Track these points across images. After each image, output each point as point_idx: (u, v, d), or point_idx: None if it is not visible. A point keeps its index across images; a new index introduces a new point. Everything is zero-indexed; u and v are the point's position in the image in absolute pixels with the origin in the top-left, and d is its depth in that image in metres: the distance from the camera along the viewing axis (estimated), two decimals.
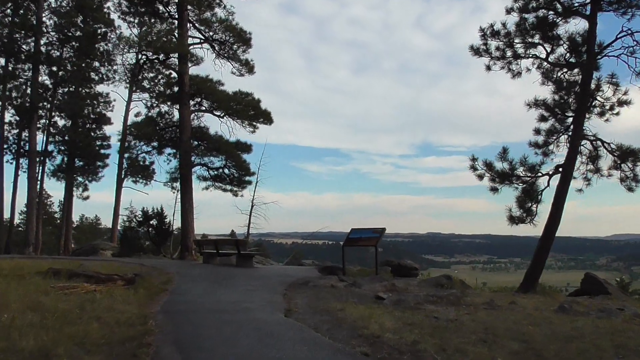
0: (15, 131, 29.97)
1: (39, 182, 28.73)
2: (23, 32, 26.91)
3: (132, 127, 25.18)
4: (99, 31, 29.50)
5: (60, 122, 31.06)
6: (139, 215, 22.99)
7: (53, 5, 28.49)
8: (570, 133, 12.47)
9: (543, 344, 5.86)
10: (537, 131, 13.24)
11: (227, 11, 20.85)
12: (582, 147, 12.37)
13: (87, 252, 23.95)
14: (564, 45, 12.44)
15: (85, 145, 29.88)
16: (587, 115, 12.15)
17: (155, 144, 24.69)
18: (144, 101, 28.72)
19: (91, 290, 7.77)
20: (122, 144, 29.92)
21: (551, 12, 12.39)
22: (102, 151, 31.51)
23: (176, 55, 20.16)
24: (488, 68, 13.58)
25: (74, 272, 9.11)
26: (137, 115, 29.21)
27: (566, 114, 12.72)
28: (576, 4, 12.15)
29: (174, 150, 23.38)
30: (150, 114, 24.34)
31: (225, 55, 21.42)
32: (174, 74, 21.68)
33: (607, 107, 12.14)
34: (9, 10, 27.95)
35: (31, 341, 4.67)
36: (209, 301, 7.78)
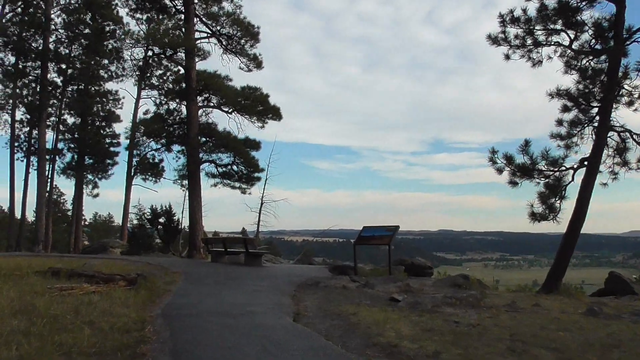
0: (26, 129, 29.93)
1: (48, 180, 28.60)
2: (32, 30, 26.72)
3: (141, 124, 24.89)
4: (107, 29, 29.29)
5: (70, 120, 31.00)
6: (148, 213, 22.69)
7: (62, 3, 28.36)
8: (595, 124, 11.81)
9: (578, 354, 5.30)
10: (560, 122, 12.59)
11: (234, 4, 20.48)
12: (608, 138, 11.69)
13: (97, 250, 23.76)
14: (589, 31, 11.76)
15: (95, 143, 29.74)
16: (614, 105, 11.47)
17: (163, 141, 24.44)
18: (152, 98, 28.50)
19: (90, 292, 7.35)
20: (131, 141, 29.73)
21: None
22: (112, 149, 31.38)
23: (183, 50, 19.77)
24: (507, 57, 12.96)
25: (75, 272, 8.71)
26: (145, 112, 29.05)
27: (591, 104, 12.06)
28: None
29: (183, 148, 23.06)
30: (159, 111, 24.07)
31: (233, 50, 21.01)
32: (182, 71, 21.30)
33: (636, 96, 11.45)
34: (19, 9, 27.86)
35: (13, 350, 4.24)
36: (213, 303, 7.31)
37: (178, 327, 5.53)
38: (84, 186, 30.62)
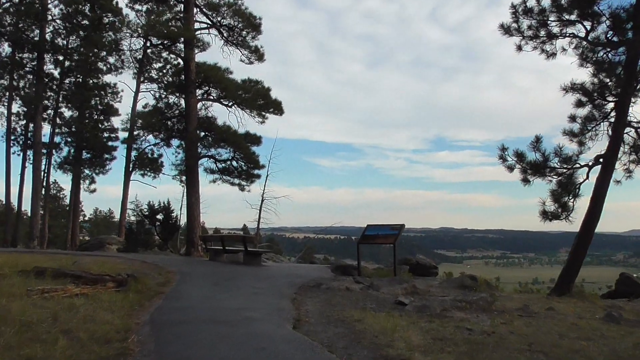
0: (23, 122, 29.39)
1: (44, 174, 28.08)
2: (28, 20, 26.13)
3: (139, 117, 24.32)
4: (105, 20, 28.68)
5: (67, 114, 30.38)
6: (145, 210, 22.18)
7: None
8: (611, 120, 11.25)
9: None
10: (573, 118, 12.02)
11: None
12: (625, 134, 11.14)
13: (94, 246, 23.29)
14: (606, 22, 11.19)
15: (93, 137, 29.12)
16: (632, 100, 10.90)
17: (162, 135, 23.89)
18: (152, 92, 27.92)
19: (74, 294, 6.83)
20: (129, 135, 29.18)
21: None
22: (110, 143, 30.73)
23: (182, 41, 19.19)
24: (519, 48, 12.40)
25: (61, 272, 8.18)
26: (145, 106, 28.46)
27: (607, 98, 11.50)
28: None
29: (182, 143, 22.52)
30: (159, 105, 23.47)
31: (234, 41, 20.41)
32: (182, 64, 20.70)
33: None
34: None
35: None
36: (207, 308, 6.79)
37: (165, 337, 5.01)
38: (81, 181, 30.05)
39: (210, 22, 19.95)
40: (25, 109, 28.59)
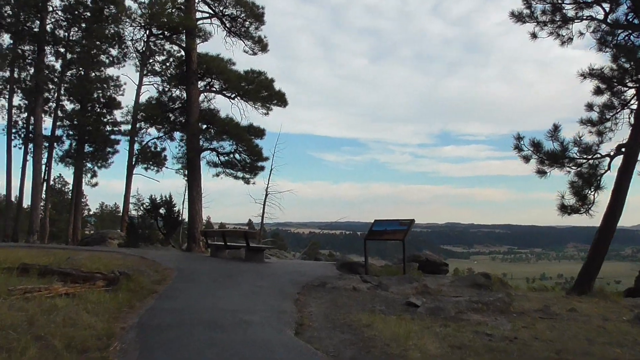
0: (24, 115, 28.97)
1: (45, 168, 27.65)
2: (28, 10, 25.62)
3: (141, 108, 23.80)
4: (106, 11, 28.12)
5: (69, 107, 29.91)
6: (147, 204, 21.70)
7: None
8: (633, 106, 10.59)
9: None
10: (590, 106, 11.35)
11: None
12: None
13: (95, 240, 22.85)
14: (627, 2, 10.52)
15: (95, 130, 28.65)
16: None
17: (165, 127, 23.40)
18: (155, 85, 27.40)
19: (60, 294, 6.32)
20: (132, 128, 28.70)
21: None
22: (112, 137, 30.27)
23: (183, 31, 18.62)
24: (533, 36, 11.74)
25: (48, 269, 7.67)
26: (148, 100, 27.94)
27: (627, 84, 10.82)
28: None
29: (185, 135, 22.00)
30: (162, 98, 22.94)
31: (237, 32, 19.81)
32: (183, 54, 20.13)
33: None
34: None
35: None
36: (203, 309, 6.24)
37: (152, 345, 4.47)
38: (83, 175, 29.63)
39: (212, 12, 19.37)
40: (26, 102, 28.18)
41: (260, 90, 19.81)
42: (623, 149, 10.40)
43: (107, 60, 29.25)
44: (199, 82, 19.52)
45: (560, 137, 10.84)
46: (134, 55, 28.41)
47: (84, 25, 27.82)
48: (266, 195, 22.76)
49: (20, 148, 28.35)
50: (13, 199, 28.40)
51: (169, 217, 21.20)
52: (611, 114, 11.14)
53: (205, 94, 20.48)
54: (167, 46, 27.36)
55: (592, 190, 10.32)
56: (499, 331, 6.24)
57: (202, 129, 19.77)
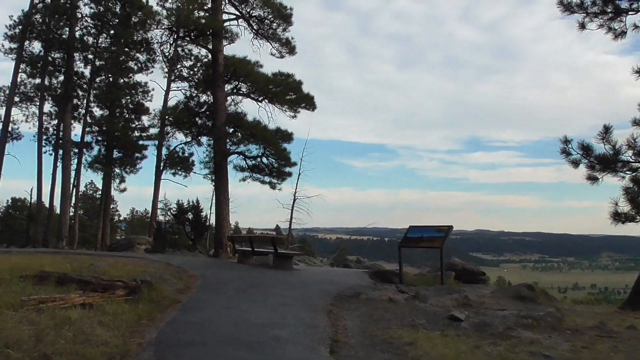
0: (54, 122, 29.35)
1: (74, 173, 27.83)
2: (57, 16, 25.96)
3: (169, 113, 23.72)
4: (135, 18, 28.29)
5: (98, 113, 30.17)
6: (174, 209, 21.53)
7: None
8: None
9: None
10: None
11: None
12: None
13: (123, 246, 22.82)
14: None
15: (123, 136, 28.77)
16: None
17: (192, 132, 23.22)
18: (182, 90, 27.36)
19: (76, 304, 5.89)
20: (160, 133, 28.68)
21: None
22: (141, 142, 30.37)
23: (210, 32, 18.36)
24: (582, 26, 10.91)
25: (67, 277, 7.28)
26: (176, 104, 27.92)
27: None
28: None
29: (212, 139, 21.75)
30: (189, 103, 22.80)
31: (264, 34, 19.44)
32: (210, 57, 19.90)
33: None
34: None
35: None
36: (228, 323, 5.70)
37: None
38: (112, 180, 29.77)
39: (239, 13, 19.07)
40: (56, 109, 28.54)
41: (288, 92, 19.37)
42: None
43: (135, 67, 29.42)
44: (226, 85, 19.22)
45: (612, 140, 9.99)
46: (162, 60, 28.47)
47: (112, 32, 28.05)
48: (294, 200, 22.33)
49: (50, 154, 28.70)
50: (47, 205, 28.75)
51: (197, 222, 20.98)
52: None
53: (232, 97, 20.16)
54: (195, 51, 27.38)
55: None
56: (557, 352, 5.55)
57: (229, 132, 19.42)
